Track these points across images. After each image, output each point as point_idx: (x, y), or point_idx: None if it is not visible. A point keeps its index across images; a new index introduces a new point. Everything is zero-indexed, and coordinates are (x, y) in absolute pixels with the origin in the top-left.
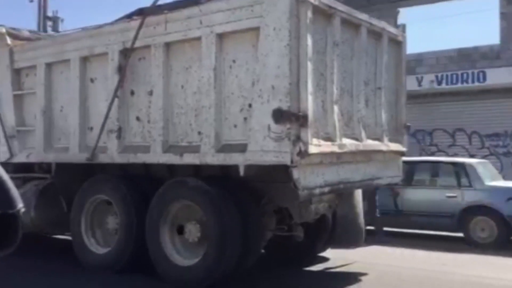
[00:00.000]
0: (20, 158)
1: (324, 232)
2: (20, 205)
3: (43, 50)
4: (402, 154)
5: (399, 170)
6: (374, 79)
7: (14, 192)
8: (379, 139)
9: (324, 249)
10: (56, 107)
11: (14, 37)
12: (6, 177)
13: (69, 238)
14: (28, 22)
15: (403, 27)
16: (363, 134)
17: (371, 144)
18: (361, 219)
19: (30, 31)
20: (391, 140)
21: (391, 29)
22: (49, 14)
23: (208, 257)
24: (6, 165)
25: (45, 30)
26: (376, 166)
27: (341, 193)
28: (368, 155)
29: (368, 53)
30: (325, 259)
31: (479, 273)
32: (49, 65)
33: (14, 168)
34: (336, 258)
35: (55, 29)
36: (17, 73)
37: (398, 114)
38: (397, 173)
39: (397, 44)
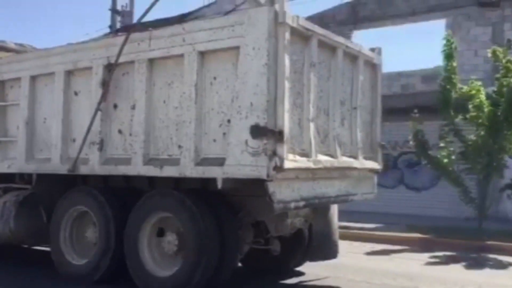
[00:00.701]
0: (1, 168)
1: (300, 246)
2: None
3: (28, 62)
4: (377, 171)
5: (373, 187)
6: (350, 99)
7: None
8: (354, 156)
9: (300, 263)
10: (39, 118)
11: (1, 49)
12: None
13: (48, 249)
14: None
15: (379, 50)
16: (338, 152)
17: (346, 161)
18: (336, 233)
19: (16, 44)
20: (366, 158)
21: (367, 52)
22: (118, 8)
23: (185, 268)
24: None
25: (114, 25)
26: (351, 183)
27: (316, 208)
28: (343, 172)
29: (344, 74)
30: (301, 273)
31: None
32: (33, 78)
33: None
34: (309, 273)
35: (123, 23)
36: (1, 84)
37: (373, 133)
38: (372, 190)
39: (373, 66)
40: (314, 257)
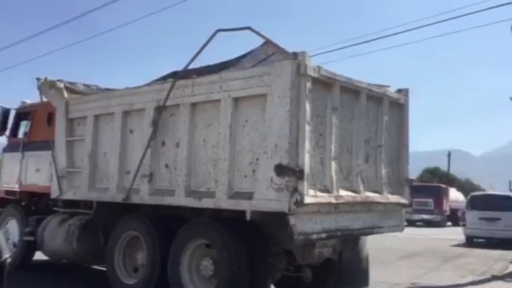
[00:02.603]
0: (68, 195)
1: (331, 275)
2: (6, 256)
3: (92, 103)
4: (404, 205)
5: (401, 220)
6: (375, 137)
7: (2, 243)
8: (379, 191)
9: None
10: (101, 152)
11: (70, 91)
12: None
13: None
14: None
15: (406, 91)
16: (362, 187)
17: (369, 196)
18: (366, 262)
19: (84, 85)
20: (391, 193)
21: (392, 94)
22: None
23: None
24: (56, 201)
25: None
26: (377, 216)
27: (345, 239)
28: (367, 206)
29: (368, 115)
30: None
31: None
32: (97, 117)
33: (62, 204)
34: None
35: None
36: (70, 122)
37: (399, 169)
38: (399, 223)
39: (399, 106)
40: (345, 285)
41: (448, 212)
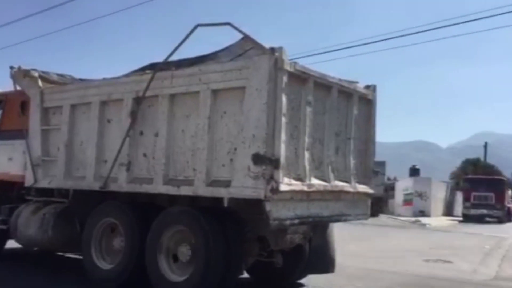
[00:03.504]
0: (43, 184)
1: (301, 260)
2: None
3: (69, 93)
4: (370, 195)
5: (367, 209)
6: (345, 130)
7: None
8: (347, 181)
9: (302, 276)
10: (77, 141)
11: (45, 80)
12: None
13: (77, 257)
14: None
15: (374, 87)
16: (332, 176)
17: (339, 185)
18: (333, 248)
19: (58, 74)
20: (359, 183)
21: (362, 89)
22: None
23: (195, 276)
24: (29, 190)
25: None
26: (345, 205)
27: (315, 225)
28: (336, 195)
29: (339, 109)
30: (302, 285)
31: None
32: (73, 106)
33: (35, 193)
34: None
35: None
36: (45, 111)
37: (367, 160)
38: (365, 212)
39: (368, 101)
40: (314, 271)
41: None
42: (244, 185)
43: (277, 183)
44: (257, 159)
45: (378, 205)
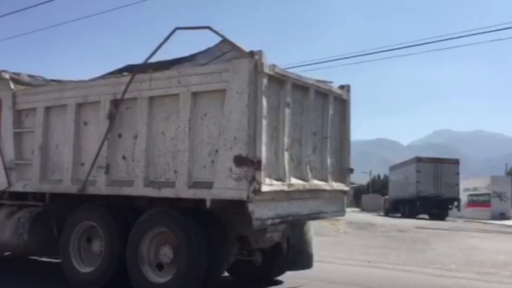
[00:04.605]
0: (17, 187)
1: (279, 258)
2: None
3: (43, 95)
4: (345, 192)
5: (342, 206)
6: (322, 130)
7: None
8: (324, 179)
9: (280, 273)
10: (52, 144)
11: (16, 81)
12: None
13: (53, 261)
14: None
15: (348, 87)
16: (310, 176)
17: (316, 184)
18: (311, 246)
19: (29, 76)
20: (335, 181)
21: (336, 90)
22: None
23: (178, 276)
24: (3, 193)
25: None
26: (323, 202)
27: (293, 224)
28: (314, 193)
29: (316, 109)
30: (280, 282)
31: None
32: (47, 108)
33: (9, 197)
34: (290, 282)
35: None
36: (18, 113)
37: (342, 159)
38: (341, 209)
39: (342, 101)
40: (292, 267)
41: None
42: (226, 186)
43: (259, 184)
44: (239, 160)
45: (447, 207)
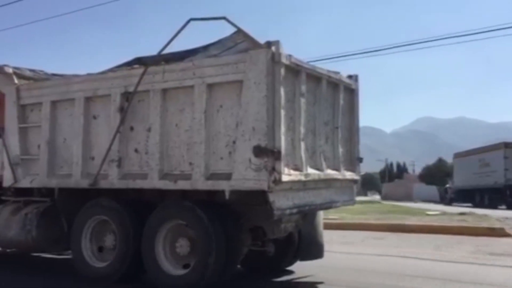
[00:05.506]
0: (24, 183)
1: (291, 248)
2: None
3: (49, 89)
4: (355, 181)
5: (352, 195)
6: (333, 120)
7: None
8: (337, 169)
9: (291, 263)
10: (60, 139)
11: (19, 76)
12: None
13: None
14: None
15: (356, 77)
16: (324, 165)
17: (330, 173)
18: (322, 236)
19: (30, 70)
20: (346, 170)
21: (346, 79)
22: None
23: (197, 268)
24: (7, 190)
25: None
26: (335, 192)
27: (305, 214)
28: (328, 183)
29: (327, 99)
30: (291, 272)
31: None
32: (54, 103)
33: (14, 193)
34: (300, 271)
35: None
36: (22, 108)
37: (352, 148)
38: (352, 198)
39: (351, 91)
40: (304, 257)
41: None
42: (245, 177)
43: (279, 174)
44: (258, 151)
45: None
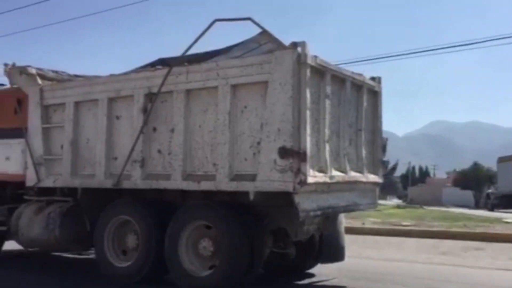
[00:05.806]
0: (47, 183)
1: (312, 250)
2: None
3: (72, 90)
4: (378, 184)
5: (375, 198)
6: (356, 122)
7: None
8: (360, 171)
9: (312, 266)
10: (83, 139)
11: (42, 77)
12: None
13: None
14: None
15: (379, 79)
16: (348, 167)
17: (354, 175)
18: (343, 238)
19: (53, 71)
20: (369, 173)
21: (369, 81)
22: None
23: (221, 269)
24: (30, 189)
25: None
26: (358, 195)
27: (327, 216)
28: (351, 185)
29: (351, 101)
30: (312, 275)
31: None
32: (77, 103)
33: (35, 193)
34: (320, 274)
35: None
36: (46, 109)
37: (374, 150)
38: (374, 201)
39: (374, 93)
40: (325, 260)
41: None
42: (270, 178)
43: (305, 175)
44: (284, 152)
45: None
